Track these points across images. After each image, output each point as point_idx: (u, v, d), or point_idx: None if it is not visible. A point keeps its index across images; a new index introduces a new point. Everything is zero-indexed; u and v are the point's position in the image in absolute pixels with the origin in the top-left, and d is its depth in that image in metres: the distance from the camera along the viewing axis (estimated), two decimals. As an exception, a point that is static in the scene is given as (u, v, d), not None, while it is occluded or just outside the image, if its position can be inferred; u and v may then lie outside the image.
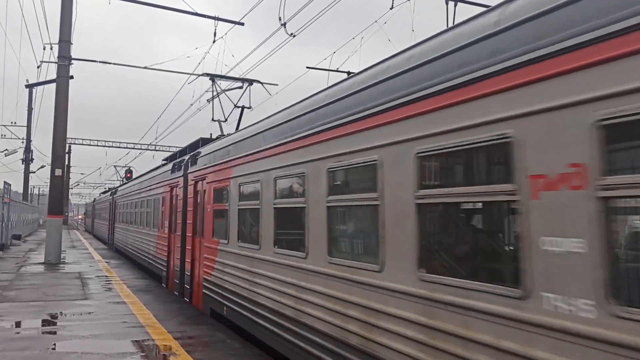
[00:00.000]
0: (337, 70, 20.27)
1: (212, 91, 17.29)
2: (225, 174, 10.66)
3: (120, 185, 38.08)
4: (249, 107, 16.61)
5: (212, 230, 11.45)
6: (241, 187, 9.72)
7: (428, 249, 4.93)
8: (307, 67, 21.40)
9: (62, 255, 23.47)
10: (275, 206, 8.07)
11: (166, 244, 16.41)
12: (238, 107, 16.86)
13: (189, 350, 8.34)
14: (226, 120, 16.94)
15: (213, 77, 17.45)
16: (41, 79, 24.69)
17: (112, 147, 57.84)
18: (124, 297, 13.41)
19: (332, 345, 6.21)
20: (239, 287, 9.38)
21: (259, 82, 17.53)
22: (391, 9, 14.80)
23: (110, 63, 24.49)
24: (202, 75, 18.81)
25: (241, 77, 17.65)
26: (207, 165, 12.05)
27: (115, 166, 53.96)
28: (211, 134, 16.83)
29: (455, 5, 10.64)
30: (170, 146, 52.80)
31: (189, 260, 13.40)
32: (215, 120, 16.85)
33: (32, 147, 53.20)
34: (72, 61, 21.63)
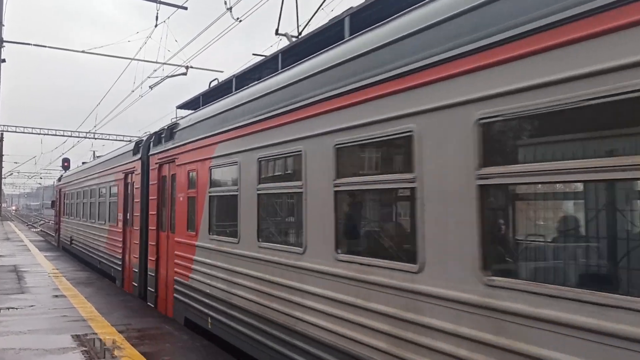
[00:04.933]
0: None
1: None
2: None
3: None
4: None
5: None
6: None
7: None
8: (254, 54, 21.13)
9: (-5, 248, 22.45)
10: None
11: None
12: None
13: (135, 343, 8.10)
14: None
15: None
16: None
17: (47, 134, 55.03)
18: (64, 290, 12.91)
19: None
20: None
21: None
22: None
23: (45, 46, 23.44)
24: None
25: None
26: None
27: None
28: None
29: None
30: (109, 134, 51.19)
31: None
32: None
33: (-40, 135, 50.22)
34: (4, 44, 20.50)
